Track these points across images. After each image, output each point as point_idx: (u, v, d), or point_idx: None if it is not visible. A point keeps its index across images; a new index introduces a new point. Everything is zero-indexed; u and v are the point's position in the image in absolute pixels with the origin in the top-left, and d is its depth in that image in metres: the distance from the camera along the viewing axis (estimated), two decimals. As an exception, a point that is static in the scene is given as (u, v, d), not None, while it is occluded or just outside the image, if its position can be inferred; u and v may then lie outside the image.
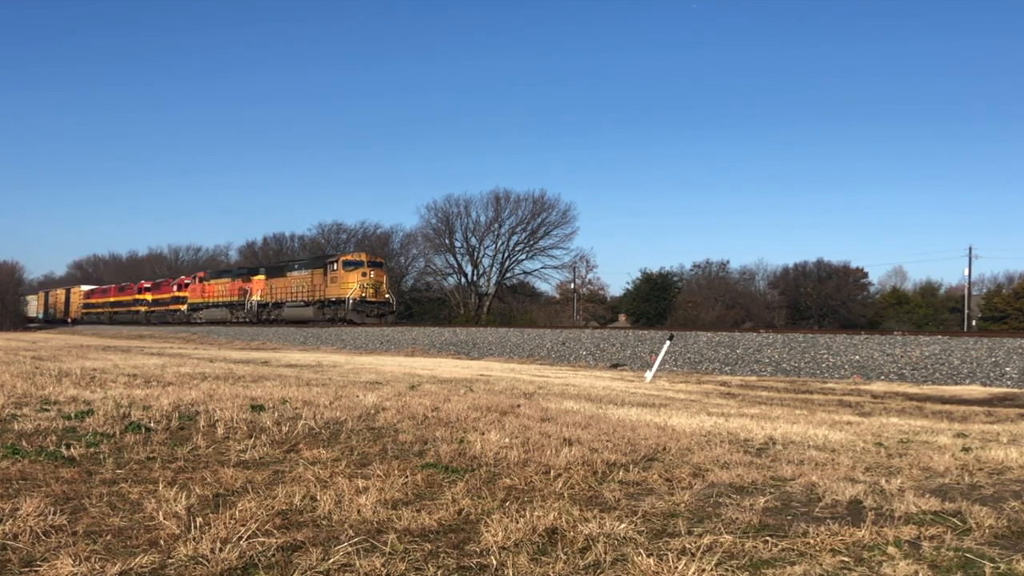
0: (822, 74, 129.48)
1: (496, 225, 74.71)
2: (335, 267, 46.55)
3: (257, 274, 55.06)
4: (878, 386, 17.08)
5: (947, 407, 13.17)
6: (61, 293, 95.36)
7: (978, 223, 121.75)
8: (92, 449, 6.18)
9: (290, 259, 69.68)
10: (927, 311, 69.65)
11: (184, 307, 63.69)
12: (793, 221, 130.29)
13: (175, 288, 67.05)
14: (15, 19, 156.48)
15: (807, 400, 14.20)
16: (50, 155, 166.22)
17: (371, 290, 45.80)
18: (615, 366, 23.55)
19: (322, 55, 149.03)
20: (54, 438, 6.56)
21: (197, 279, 63.48)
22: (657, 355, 19.70)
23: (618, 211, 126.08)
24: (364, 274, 45.72)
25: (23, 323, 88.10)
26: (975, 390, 16.15)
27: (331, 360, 24.02)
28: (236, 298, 55.57)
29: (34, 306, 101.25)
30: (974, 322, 62.29)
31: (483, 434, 7.19)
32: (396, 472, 5.55)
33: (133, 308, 73.76)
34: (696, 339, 24.27)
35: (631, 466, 6.04)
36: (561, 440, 6.96)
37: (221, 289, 58.83)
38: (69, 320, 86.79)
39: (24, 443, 6.29)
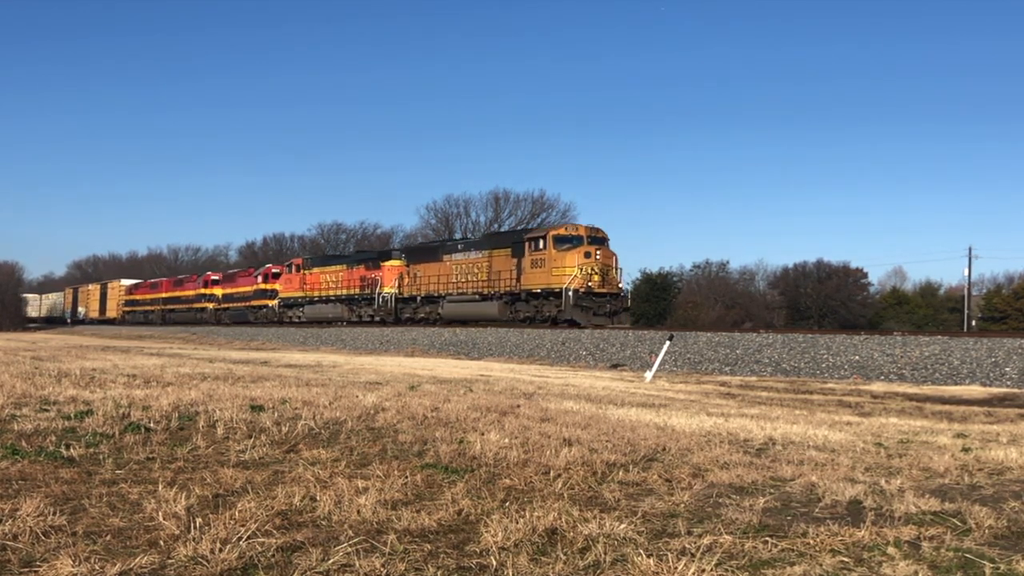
0: (822, 74, 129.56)
1: (496, 225, 74.70)
2: (541, 245, 32.88)
3: (390, 258, 42.67)
4: (878, 386, 17.08)
5: (947, 407, 13.17)
6: (95, 289, 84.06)
7: (978, 223, 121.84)
8: (92, 449, 6.18)
9: (444, 239, 55.02)
10: (927, 311, 69.64)
11: (273, 302, 52.19)
12: (793, 221, 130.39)
13: (259, 279, 55.18)
14: (15, 19, 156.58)
15: (807, 400, 14.20)
16: (50, 155, 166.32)
17: (598, 277, 31.85)
18: (615, 366, 23.55)
19: (321, 56, 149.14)
20: (54, 438, 6.56)
21: (293, 267, 51.38)
22: (657, 355, 19.70)
23: (618, 211, 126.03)
24: (588, 254, 31.89)
25: (23, 323, 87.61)
26: (975, 390, 16.15)
27: (331, 360, 24.01)
28: (357, 290, 43.76)
29: (55, 305, 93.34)
30: (974, 322, 62.29)
31: (483, 434, 7.19)
32: (396, 472, 5.55)
33: (196, 305, 62.94)
34: (696, 339, 24.27)
35: (631, 466, 6.04)
36: (561, 440, 6.95)
37: (332, 279, 46.60)
38: (115, 319, 75.91)
39: (24, 443, 6.28)
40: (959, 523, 4.63)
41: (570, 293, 31.14)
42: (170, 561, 3.66)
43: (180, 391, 10.43)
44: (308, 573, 3.56)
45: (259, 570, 3.59)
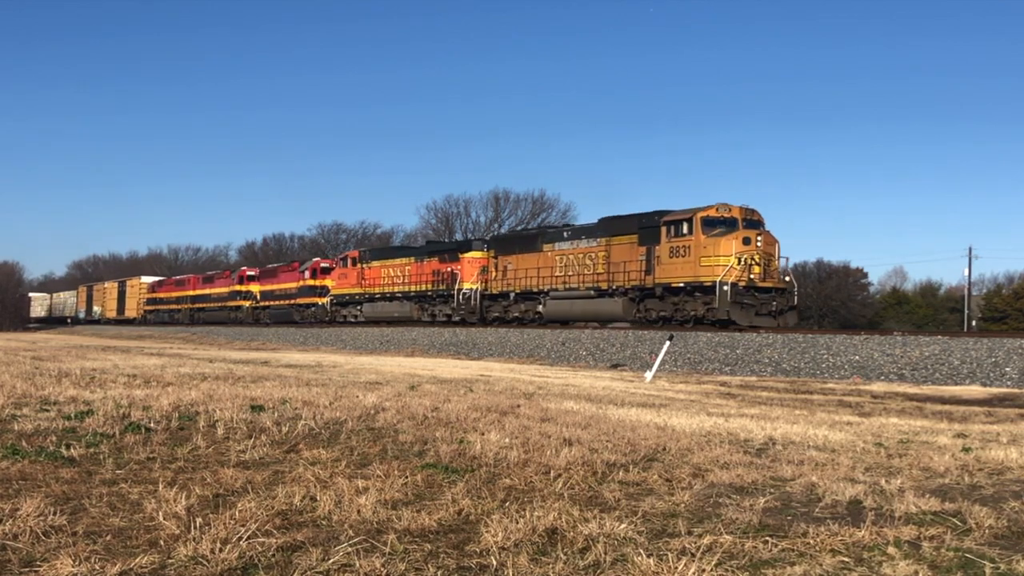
0: (821, 73, 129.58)
1: (496, 225, 74.77)
2: (684, 230, 26.84)
3: (470, 249, 36.92)
4: (878, 386, 17.07)
5: (947, 407, 13.17)
6: (112, 287, 78.41)
7: (978, 223, 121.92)
8: (92, 449, 6.18)
9: (545, 226, 48.50)
10: (927, 311, 69.65)
11: (324, 300, 46.61)
12: (793, 221, 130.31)
13: (306, 275, 48.90)
14: (15, 19, 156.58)
15: (807, 400, 14.20)
16: (50, 155, 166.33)
17: (759, 268, 26.06)
18: (615, 366, 23.55)
19: (321, 57, 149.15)
20: (54, 438, 6.56)
21: (348, 260, 45.38)
22: (657, 355, 19.69)
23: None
24: (746, 240, 26.07)
25: (23, 323, 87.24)
26: (975, 390, 16.15)
27: (331, 360, 24.01)
28: (428, 286, 38.16)
29: (66, 304, 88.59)
30: (974, 322, 62.26)
31: (483, 434, 7.19)
32: (396, 472, 5.55)
33: (230, 304, 57.01)
34: (696, 339, 24.26)
35: (631, 466, 6.04)
36: (561, 440, 6.95)
37: (396, 274, 40.89)
38: (134, 320, 70.63)
39: (24, 443, 6.29)
40: (959, 523, 4.63)
41: (726, 288, 25.23)
42: (170, 561, 3.66)
43: (180, 391, 10.43)
44: (308, 573, 3.56)
45: (259, 570, 3.59)
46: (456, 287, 36.31)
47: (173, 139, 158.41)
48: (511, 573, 3.63)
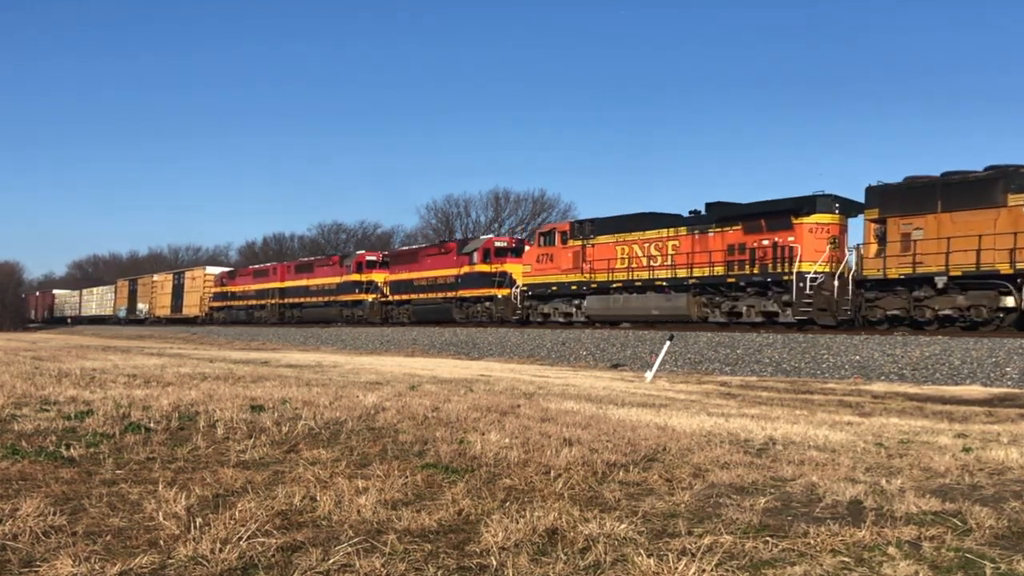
0: (821, 73, 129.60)
1: (496, 225, 74.78)
2: None
3: (814, 210, 24.21)
4: (878, 386, 17.07)
5: (947, 407, 13.17)
6: (164, 281, 66.93)
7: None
8: (92, 449, 6.18)
9: (1005, 167, 20.28)
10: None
11: (506, 292, 34.46)
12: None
13: (474, 258, 36.14)
14: (15, 18, 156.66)
15: (807, 400, 14.20)
16: (50, 155, 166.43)
17: None
18: (615, 366, 23.56)
19: (321, 56, 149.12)
20: (54, 438, 6.56)
21: (554, 235, 32.32)
22: (657, 355, 19.69)
23: (617, 211, 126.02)
24: None
25: (23, 323, 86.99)
26: (975, 390, 16.14)
27: (331, 360, 24.02)
28: (722, 269, 26.14)
29: (103, 301, 78.97)
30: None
31: (483, 434, 7.19)
32: (396, 472, 5.55)
33: (342, 298, 45.24)
34: (696, 339, 24.26)
35: (631, 466, 6.03)
36: (561, 440, 6.95)
37: (651, 251, 28.38)
38: (196, 318, 60.62)
39: (24, 443, 6.29)
40: (960, 523, 4.62)
41: None
42: (170, 561, 3.66)
43: (180, 391, 10.43)
44: (308, 573, 3.56)
45: (259, 570, 3.59)
46: (793, 268, 23.78)
47: (173, 139, 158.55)
48: (511, 573, 3.63)
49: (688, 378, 19.70)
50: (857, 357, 19.99)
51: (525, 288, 33.42)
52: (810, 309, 23.61)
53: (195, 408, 8.56)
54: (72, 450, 6.04)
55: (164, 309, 65.23)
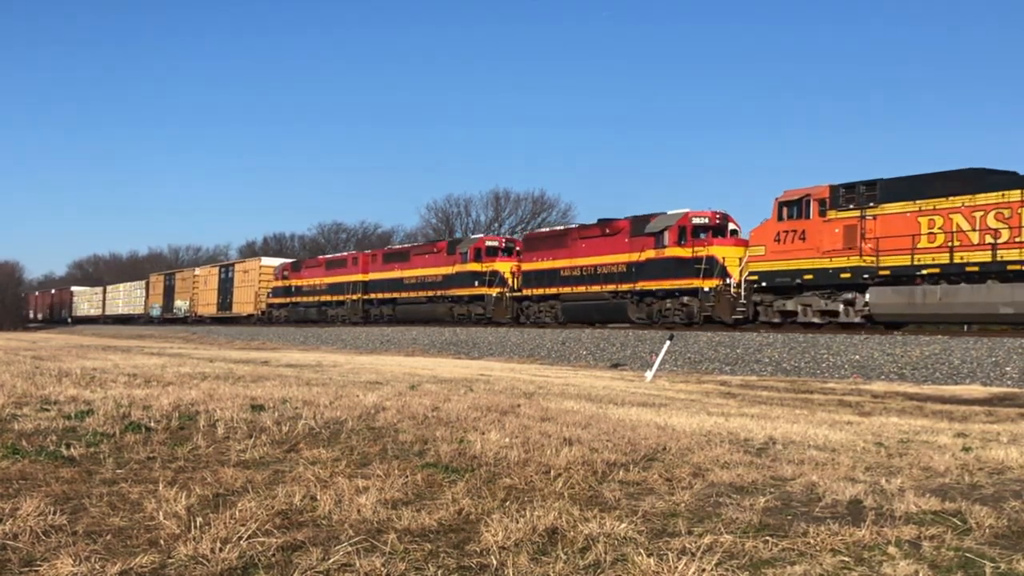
0: (820, 72, 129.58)
1: (496, 225, 74.78)
2: None
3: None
4: (878, 386, 17.07)
5: (947, 407, 13.17)
6: (207, 275, 58.73)
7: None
8: (92, 449, 6.19)
9: None
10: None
11: (713, 283, 25.68)
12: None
13: (665, 239, 27.03)
14: (15, 18, 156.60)
15: (807, 400, 14.21)
16: (50, 155, 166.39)
17: None
18: (615, 366, 23.57)
19: (321, 56, 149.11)
20: (54, 438, 6.56)
21: (810, 203, 23.16)
22: (657, 355, 19.69)
23: (618, 211, 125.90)
24: None
25: (23, 323, 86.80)
26: (975, 390, 16.14)
27: (331, 360, 24.02)
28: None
29: (131, 298, 71.90)
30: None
31: (483, 434, 7.19)
32: (396, 472, 5.55)
33: (450, 292, 36.60)
34: (696, 339, 24.26)
35: (631, 466, 6.04)
36: (561, 440, 6.95)
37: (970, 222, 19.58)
38: (250, 316, 52.38)
39: (24, 443, 6.29)
40: (959, 523, 4.63)
41: None
42: (170, 561, 3.66)
43: (180, 391, 10.43)
44: (308, 572, 3.56)
45: (259, 569, 3.60)
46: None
47: (173, 139, 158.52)
48: (511, 573, 3.63)
49: (688, 377, 19.71)
50: (857, 356, 19.99)
51: (754, 277, 24.37)
52: None
53: (195, 408, 8.56)
54: (72, 450, 6.05)
55: (209, 307, 57.18)
